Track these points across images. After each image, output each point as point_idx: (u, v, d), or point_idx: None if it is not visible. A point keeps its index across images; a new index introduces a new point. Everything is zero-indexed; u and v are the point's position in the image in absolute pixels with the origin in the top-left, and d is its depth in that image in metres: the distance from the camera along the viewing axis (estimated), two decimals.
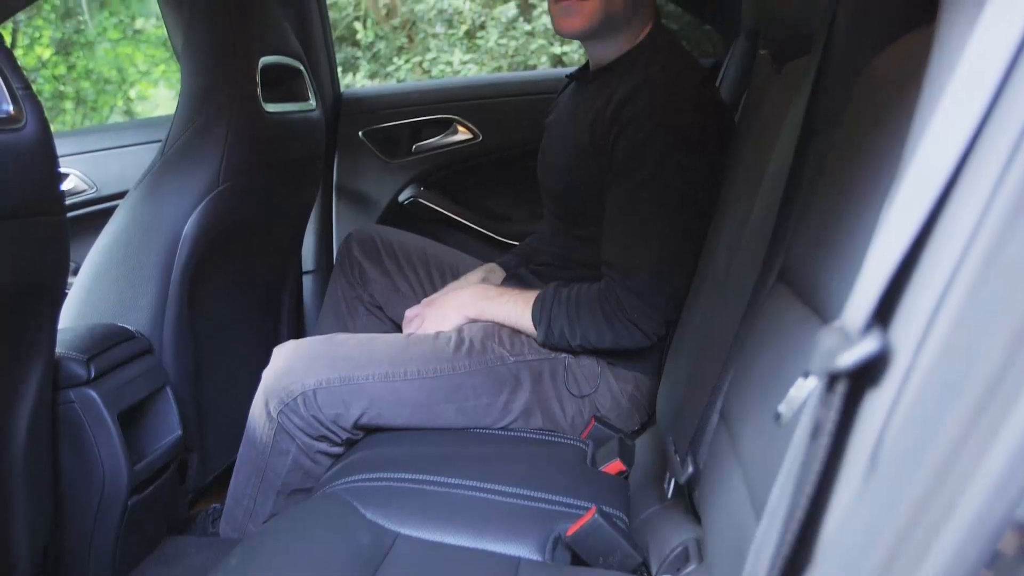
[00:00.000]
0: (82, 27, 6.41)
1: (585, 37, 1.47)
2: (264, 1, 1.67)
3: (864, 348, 0.42)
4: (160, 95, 7.14)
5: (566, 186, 1.50)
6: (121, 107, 6.86)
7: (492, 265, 1.76)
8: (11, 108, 1.00)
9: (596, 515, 1.06)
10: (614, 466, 1.29)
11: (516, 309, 1.45)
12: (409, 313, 1.58)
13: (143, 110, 7.03)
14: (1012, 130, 0.38)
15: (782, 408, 0.48)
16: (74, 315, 1.52)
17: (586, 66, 1.58)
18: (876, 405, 0.42)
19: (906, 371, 0.41)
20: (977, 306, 0.38)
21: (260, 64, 1.59)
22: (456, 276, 1.74)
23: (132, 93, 6.93)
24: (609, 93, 1.40)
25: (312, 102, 1.83)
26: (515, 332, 1.47)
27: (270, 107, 1.61)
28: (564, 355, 1.44)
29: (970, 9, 0.50)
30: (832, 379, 0.44)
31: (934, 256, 0.42)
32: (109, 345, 1.42)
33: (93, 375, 1.35)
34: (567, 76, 1.66)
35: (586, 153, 1.43)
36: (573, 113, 1.52)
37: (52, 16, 6.17)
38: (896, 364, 0.42)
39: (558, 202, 1.55)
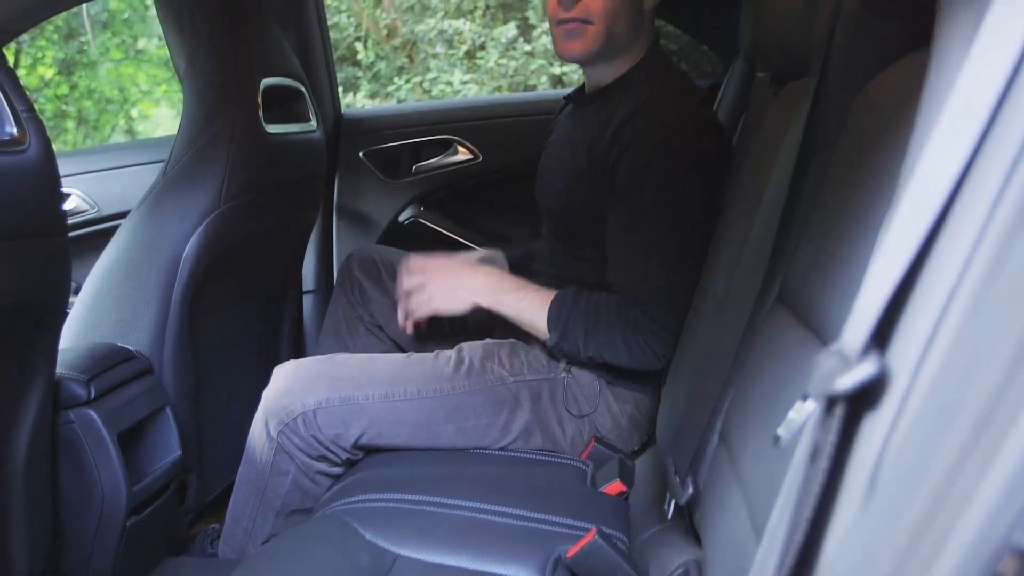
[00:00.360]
0: (85, 47, 6.46)
1: (587, 61, 1.48)
2: (266, 23, 1.68)
3: (862, 372, 0.42)
4: (162, 114, 7.18)
5: (564, 206, 1.50)
6: (123, 126, 6.89)
7: (496, 253, 1.75)
8: (15, 130, 1.01)
9: (596, 536, 1.05)
10: (614, 487, 1.29)
11: (532, 308, 1.41)
12: (412, 279, 1.48)
13: (144, 129, 7.06)
14: (1008, 152, 0.38)
15: (781, 431, 0.48)
16: (75, 335, 1.52)
17: (583, 87, 1.59)
18: (875, 428, 0.42)
19: (904, 394, 0.41)
20: (974, 329, 0.38)
21: (262, 86, 1.60)
22: None
23: (134, 112, 6.97)
24: (607, 115, 1.41)
25: (313, 123, 1.84)
26: (514, 352, 1.47)
27: (271, 128, 1.62)
28: (563, 374, 1.44)
29: (966, 33, 0.51)
30: (830, 402, 0.44)
31: (931, 279, 0.42)
32: (109, 365, 1.42)
33: (93, 395, 1.35)
34: (564, 97, 1.67)
35: (584, 174, 1.43)
36: (571, 134, 1.53)
37: (55, 37, 6.21)
38: (894, 387, 0.42)
39: (557, 222, 1.55)
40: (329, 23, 2.43)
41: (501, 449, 1.43)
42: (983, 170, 0.40)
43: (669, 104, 1.40)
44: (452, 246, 2.36)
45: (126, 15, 6.43)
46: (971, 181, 0.41)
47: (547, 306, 1.39)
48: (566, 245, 1.54)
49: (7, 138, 1.00)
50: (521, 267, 1.76)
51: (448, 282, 1.45)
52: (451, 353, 1.47)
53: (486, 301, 1.43)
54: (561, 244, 1.55)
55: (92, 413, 1.34)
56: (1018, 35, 0.39)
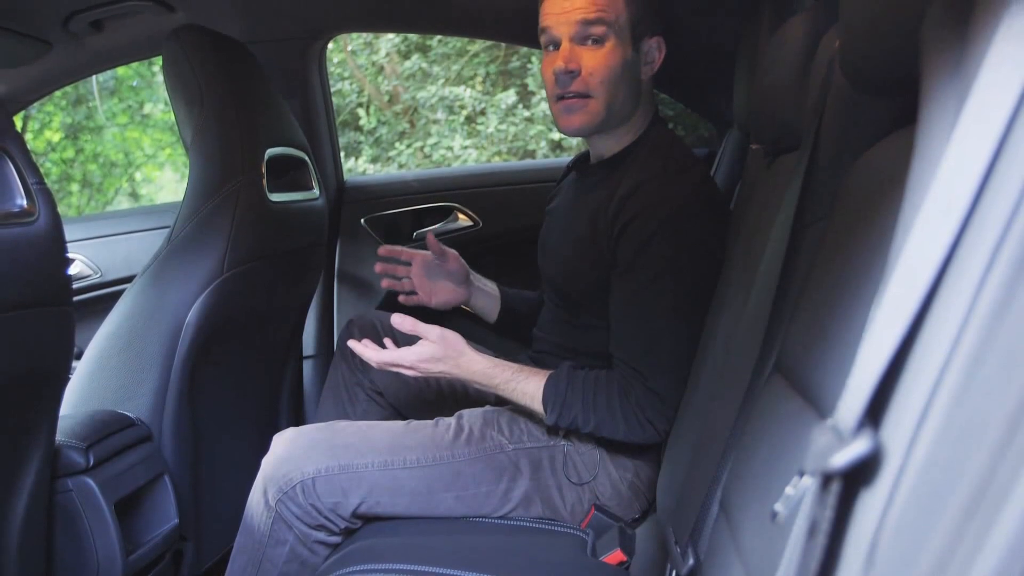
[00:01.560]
0: (92, 112, 6.57)
1: (588, 135, 1.50)
2: (271, 94, 1.72)
3: (856, 449, 0.42)
4: (166, 177, 7.26)
5: (566, 276, 1.51)
6: (126, 189, 6.97)
7: (492, 288, 1.76)
8: (25, 202, 1.03)
9: None
10: (615, 556, 1.28)
11: (527, 394, 1.40)
12: (410, 360, 1.41)
13: (148, 192, 7.14)
14: (993, 231, 0.39)
15: (778, 507, 0.49)
16: (76, 401, 1.52)
17: (587, 156, 1.62)
18: (870, 505, 0.43)
19: (898, 471, 0.41)
20: (965, 406, 0.39)
21: (266, 155, 1.63)
22: None
23: (138, 175, 7.05)
24: (612, 188, 1.42)
25: (316, 191, 1.87)
26: (514, 419, 1.46)
27: (275, 197, 1.65)
28: (563, 443, 1.44)
29: (949, 114, 0.53)
30: (826, 478, 0.45)
31: (922, 356, 0.43)
32: (109, 432, 1.42)
33: (92, 463, 1.35)
34: (568, 165, 1.69)
35: (587, 245, 1.44)
36: (574, 204, 1.55)
37: (63, 103, 6.33)
38: (888, 464, 0.42)
39: (558, 290, 1.56)
40: (332, 89, 2.48)
41: (501, 517, 1.42)
42: (969, 249, 0.41)
43: (674, 180, 1.40)
44: (453, 312, 2.37)
45: (134, 83, 6.55)
46: (958, 259, 0.42)
47: (541, 389, 1.38)
48: (567, 314, 1.54)
49: (17, 210, 1.02)
50: (512, 308, 1.76)
51: (438, 369, 1.42)
52: (451, 420, 1.46)
53: (480, 386, 1.43)
54: (562, 312, 1.56)
55: (90, 482, 1.34)
56: (1000, 115, 0.41)
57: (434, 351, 1.40)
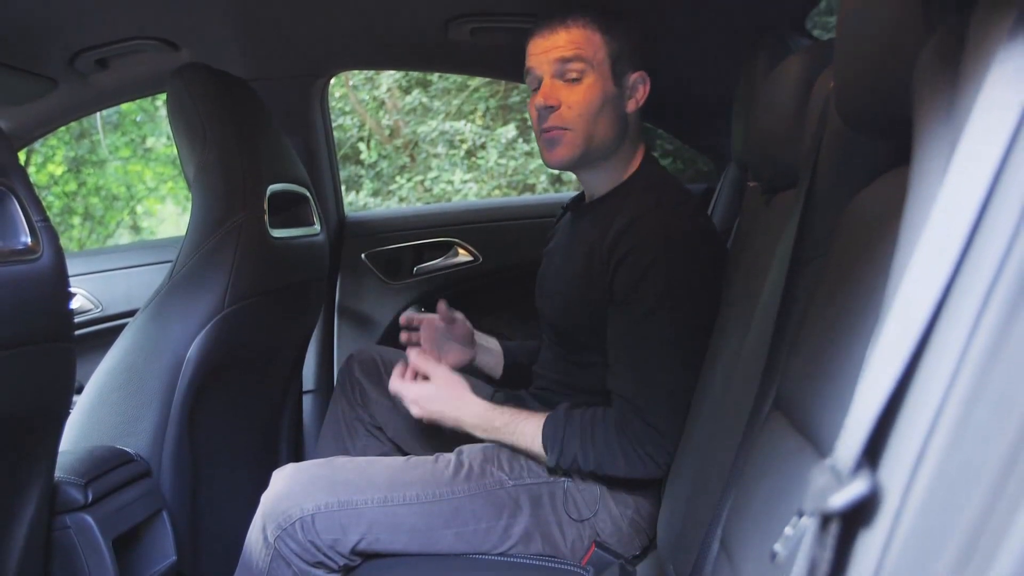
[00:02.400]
0: (96, 146, 6.61)
1: (573, 167, 1.52)
2: (273, 131, 1.74)
3: (854, 490, 0.43)
4: (167, 211, 7.29)
5: (563, 315, 1.52)
6: (128, 222, 7.00)
7: (492, 344, 1.78)
8: (29, 240, 1.04)
9: None
10: None
11: (525, 438, 1.42)
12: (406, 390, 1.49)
13: (149, 225, 7.17)
14: (986, 272, 0.40)
15: (778, 547, 0.49)
16: (76, 436, 1.52)
17: (582, 196, 1.63)
18: (869, 546, 0.43)
19: (896, 512, 0.42)
20: (961, 448, 0.39)
21: (268, 191, 1.64)
22: None
23: (139, 209, 7.08)
24: (606, 224, 1.43)
25: (317, 227, 1.88)
26: (514, 455, 1.46)
27: (276, 232, 1.66)
28: (563, 479, 1.43)
29: (942, 156, 0.53)
30: (825, 519, 0.45)
31: (918, 397, 0.43)
32: (108, 468, 1.41)
33: (90, 500, 1.34)
34: (563, 207, 1.71)
35: (584, 282, 1.45)
36: (569, 243, 1.56)
37: (67, 136, 6.37)
38: (886, 505, 0.42)
39: (557, 329, 1.56)
40: (333, 124, 2.50)
41: (500, 554, 1.41)
42: (964, 288, 0.42)
43: (668, 214, 1.42)
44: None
45: (138, 118, 6.60)
46: (953, 299, 0.42)
47: (539, 432, 1.40)
48: (566, 352, 1.55)
49: (21, 248, 1.03)
50: (516, 361, 1.77)
51: (437, 409, 1.46)
52: (451, 456, 1.46)
53: (477, 434, 1.46)
54: (561, 351, 1.56)
55: (88, 519, 1.33)
56: (992, 156, 0.41)
57: (435, 391, 1.46)
